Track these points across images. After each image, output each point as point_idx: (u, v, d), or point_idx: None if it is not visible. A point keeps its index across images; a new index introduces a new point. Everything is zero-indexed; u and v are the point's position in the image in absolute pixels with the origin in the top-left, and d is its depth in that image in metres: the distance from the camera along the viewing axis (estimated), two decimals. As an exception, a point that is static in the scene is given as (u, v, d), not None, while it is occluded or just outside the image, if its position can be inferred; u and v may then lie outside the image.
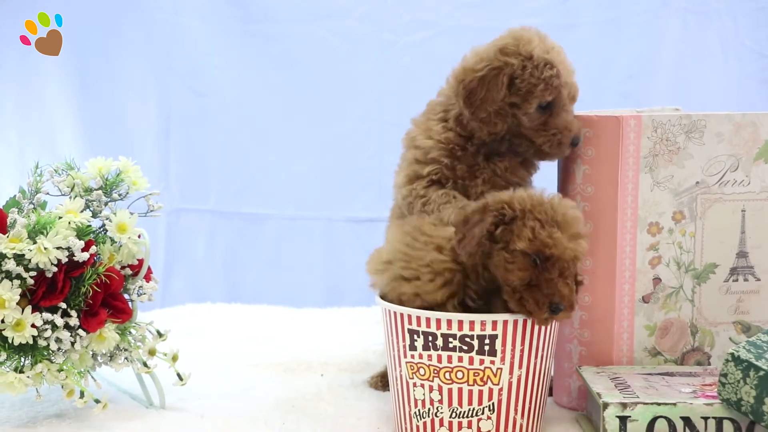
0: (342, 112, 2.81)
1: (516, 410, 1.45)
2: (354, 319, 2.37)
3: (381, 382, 1.77)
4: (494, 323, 1.41)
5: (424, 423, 1.47)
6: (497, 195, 1.46)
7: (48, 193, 1.59)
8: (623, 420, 1.41)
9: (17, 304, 1.45)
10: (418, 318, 1.44)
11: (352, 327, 2.29)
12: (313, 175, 2.83)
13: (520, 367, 1.43)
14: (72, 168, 1.62)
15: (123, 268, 1.59)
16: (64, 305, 1.49)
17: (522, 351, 1.43)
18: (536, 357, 1.45)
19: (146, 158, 2.66)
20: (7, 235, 1.48)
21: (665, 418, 1.41)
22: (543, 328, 1.44)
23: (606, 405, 1.41)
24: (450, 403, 1.44)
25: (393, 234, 1.56)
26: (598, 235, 1.60)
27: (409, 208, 1.64)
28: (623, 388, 1.47)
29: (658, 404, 1.41)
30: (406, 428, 1.50)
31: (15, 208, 1.53)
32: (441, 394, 1.44)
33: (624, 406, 1.41)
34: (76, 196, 1.58)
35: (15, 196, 1.59)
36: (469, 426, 1.44)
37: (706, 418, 1.41)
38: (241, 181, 2.85)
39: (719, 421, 1.41)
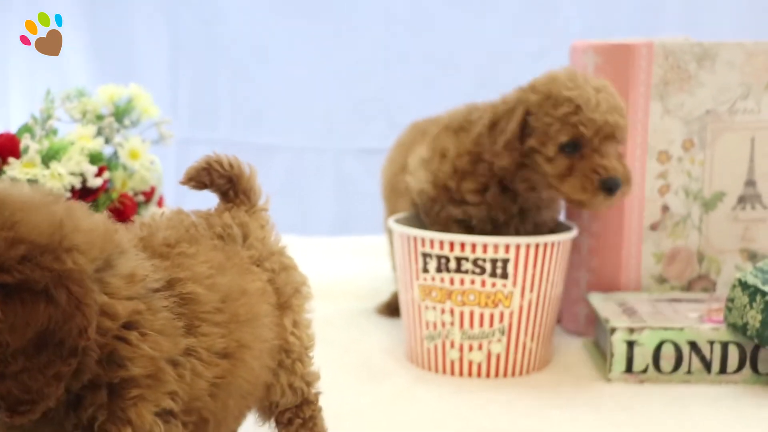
0: (351, 41, 2.80)
1: (527, 333, 1.47)
2: (363, 248, 2.38)
3: (387, 310, 1.79)
4: (507, 246, 1.43)
5: (435, 345, 1.49)
6: None
7: (60, 120, 1.59)
8: (630, 344, 1.43)
9: (32, 229, 1.46)
10: (432, 241, 1.45)
11: (361, 255, 2.31)
12: (323, 105, 2.83)
13: (531, 290, 1.45)
14: (83, 95, 1.62)
15: (136, 194, 1.60)
16: (78, 230, 1.50)
17: (533, 275, 1.44)
18: (547, 281, 1.46)
19: (156, 87, 2.65)
20: (20, 160, 1.49)
21: (672, 342, 1.43)
22: (553, 252, 1.46)
23: (614, 329, 1.43)
24: (461, 325, 1.46)
25: None
26: (607, 163, 1.60)
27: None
28: (631, 314, 1.49)
29: (665, 329, 1.43)
30: (417, 351, 1.52)
31: (28, 133, 1.54)
32: (452, 316, 1.46)
33: (631, 330, 1.43)
34: (87, 123, 1.58)
35: (27, 122, 1.60)
36: (480, 348, 1.47)
37: (711, 342, 1.43)
38: (250, 111, 2.85)
39: (725, 345, 1.43)
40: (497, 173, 1.50)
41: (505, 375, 1.49)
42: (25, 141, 1.50)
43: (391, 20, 2.77)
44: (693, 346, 1.43)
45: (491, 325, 1.46)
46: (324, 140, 2.85)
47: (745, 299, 1.38)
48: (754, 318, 1.37)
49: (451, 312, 1.47)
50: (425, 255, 1.47)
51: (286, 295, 1.06)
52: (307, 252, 2.32)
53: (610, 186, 1.42)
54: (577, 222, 1.62)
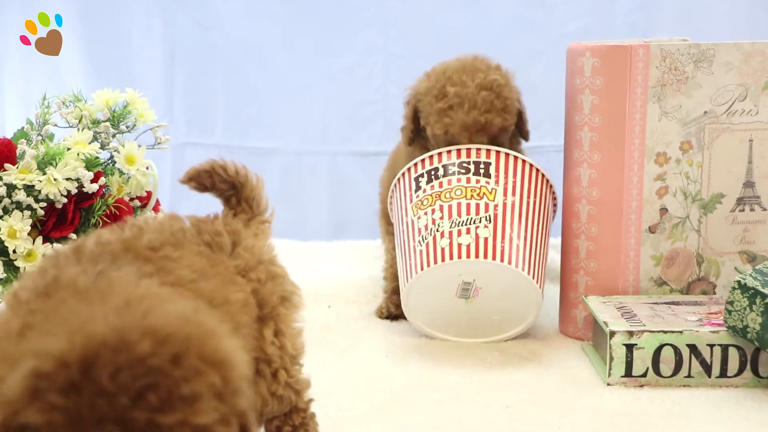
0: (347, 44, 2.79)
1: (512, 229, 1.54)
2: (360, 252, 2.37)
3: (386, 310, 1.78)
4: (488, 152, 1.59)
5: (427, 244, 1.54)
6: None
7: (56, 125, 1.59)
8: (630, 348, 1.43)
9: (28, 234, 1.46)
10: (423, 161, 1.63)
11: (358, 259, 2.30)
12: (318, 108, 2.82)
13: (513, 194, 1.56)
14: (79, 99, 1.62)
15: (132, 199, 1.60)
16: (74, 236, 1.50)
17: (514, 182, 1.57)
18: (529, 195, 1.58)
19: (151, 92, 2.63)
20: (16, 166, 1.48)
21: (671, 345, 1.42)
22: (532, 173, 1.62)
23: (613, 333, 1.43)
24: (450, 216, 1.55)
25: None
26: (605, 166, 1.60)
27: None
28: (630, 317, 1.48)
29: (665, 332, 1.43)
30: (409, 266, 1.57)
31: (24, 139, 1.53)
32: (442, 211, 1.56)
33: (631, 334, 1.42)
34: (84, 128, 1.58)
35: (23, 127, 1.59)
36: (468, 232, 1.53)
37: (711, 346, 1.42)
38: (247, 115, 2.83)
39: (725, 348, 1.42)
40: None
41: (494, 258, 1.53)
42: (21, 146, 1.50)
43: (386, 23, 2.76)
44: (693, 349, 1.42)
45: (477, 213, 1.54)
46: (320, 144, 2.84)
47: (745, 302, 1.37)
48: (754, 321, 1.37)
49: (441, 209, 1.56)
50: (418, 178, 1.60)
51: (270, 304, 1.04)
52: (305, 257, 2.33)
53: None
54: (575, 224, 1.61)
